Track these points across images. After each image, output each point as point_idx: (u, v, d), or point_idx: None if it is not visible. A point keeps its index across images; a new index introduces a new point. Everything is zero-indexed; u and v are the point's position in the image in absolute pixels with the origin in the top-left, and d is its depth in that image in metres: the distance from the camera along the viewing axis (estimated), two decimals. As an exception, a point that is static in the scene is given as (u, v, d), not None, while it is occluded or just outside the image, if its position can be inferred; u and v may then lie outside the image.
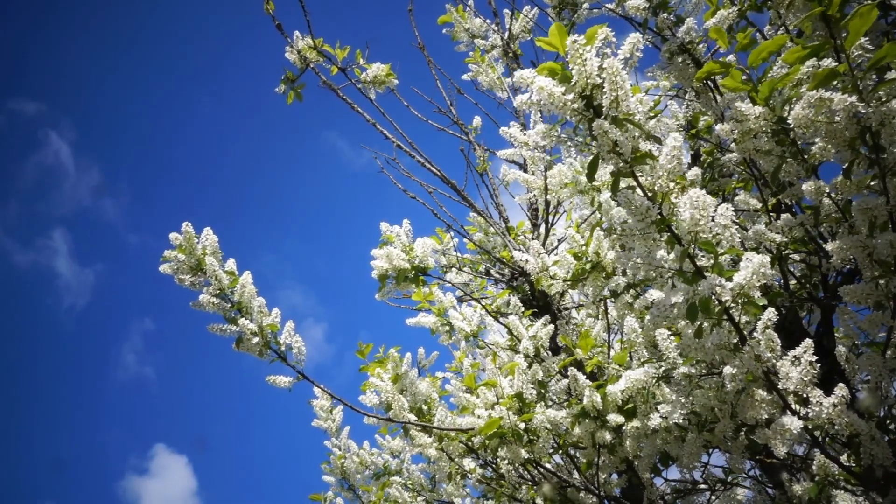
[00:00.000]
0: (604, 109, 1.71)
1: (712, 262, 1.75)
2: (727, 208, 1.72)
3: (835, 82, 1.80)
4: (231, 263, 2.58)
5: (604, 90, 1.69)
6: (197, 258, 2.53)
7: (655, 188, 1.75)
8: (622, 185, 1.78)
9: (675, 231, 1.74)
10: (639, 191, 1.75)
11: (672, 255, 1.79)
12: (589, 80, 1.69)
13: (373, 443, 4.10)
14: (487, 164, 3.91)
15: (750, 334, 1.81)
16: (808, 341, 1.76)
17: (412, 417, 2.78)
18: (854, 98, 1.73)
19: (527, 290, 3.49)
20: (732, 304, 1.73)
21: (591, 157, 1.81)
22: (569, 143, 1.83)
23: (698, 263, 1.75)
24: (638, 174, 1.75)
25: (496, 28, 4.27)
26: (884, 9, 2.18)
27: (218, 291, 2.53)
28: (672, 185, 1.73)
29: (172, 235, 2.53)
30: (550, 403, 2.65)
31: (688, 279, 1.75)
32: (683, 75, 2.63)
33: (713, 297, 1.71)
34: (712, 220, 1.70)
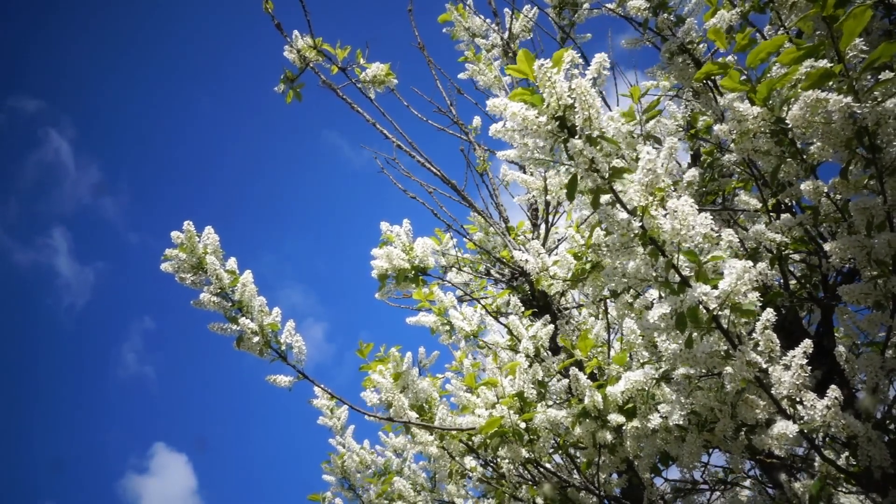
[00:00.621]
0: (577, 129, 1.73)
1: (697, 271, 1.76)
2: (706, 217, 1.73)
3: (831, 83, 1.80)
4: (232, 262, 2.59)
5: (576, 110, 1.71)
6: (198, 257, 2.54)
7: (635, 202, 1.76)
8: (602, 200, 1.79)
9: (658, 243, 1.75)
10: (619, 205, 1.77)
11: (657, 267, 1.80)
12: (560, 102, 1.71)
13: (375, 441, 4.12)
14: (487, 164, 3.92)
15: (749, 335, 1.81)
16: (806, 342, 1.76)
17: (413, 415, 2.78)
18: (850, 98, 1.73)
19: (527, 290, 3.50)
20: (720, 312, 1.74)
21: (569, 176, 1.83)
22: (546, 165, 1.85)
23: (683, 273, 1.76)
24: (617, 189, 1.77)
25: (496, 27, 4.27)
26: (886, 8, 2.18)
27: (219, 290, 2.54)
28: (651, 197, 1.74)
29: (174, 234, 2.54)
30: (550, 403, 2.65)
31: (674, 289, 1.76)
32: (683, 75, 2.63)
33: (700, 306, 1.72)
34: (693, 230, 1.71)
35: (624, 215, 1.76)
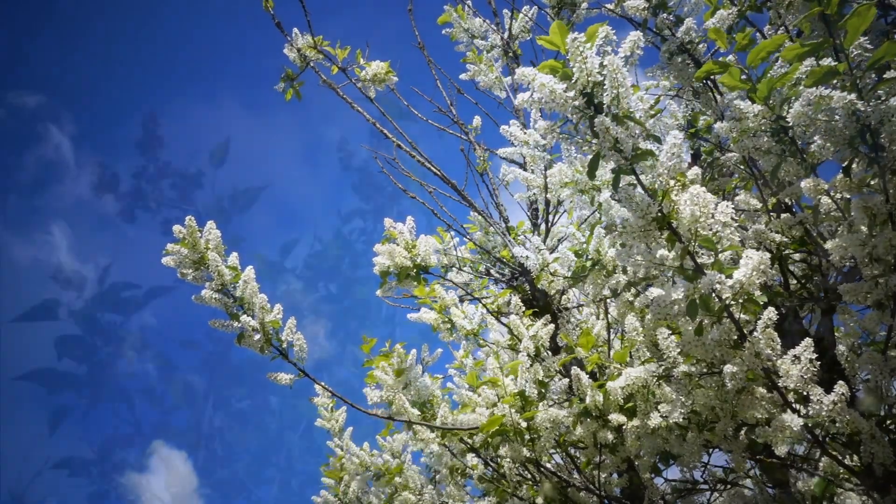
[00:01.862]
0: (604, 107, 1.72)
1: (712, 259, 1.76)
2: (727, 205, 1.72)
3: (834, 81, 1.81)
4: (234, 258, 2.58)
5: (604, 88, 1.69)
6: (200, 252, 2.53)
7: (656, 185, 1.76)
8: (623, 182, 1.78)
9: (676, 228, 1.75)
10: (640, 188, 1.76)
11: (672, 253, 1.80)
12: (590, 78, 1.70)
13: (374, 444, 4.09)
14: (487, 164, 3.91)
15: (750, 333, 1.81)
16: (808, 340, 1.76)
17: (415, 413, 2.77)
18: (853, 96, 1.74)
19: (527, 289, 3.49)
20: (732, 302, 1.74)
21: (591, 155, 1.82)
22: (570, 141, 1.84)
23: (698, 260, 1.76)
24: (638, 171, 1.76)
25: (496, 28, 4.28)
26: (884, 8, 2.18)
27: (220, 286, 2.53)
28: (672, 182, 1.74)
29: (176, 228, 2.53)
30: (551, 402, 2.65)
31: (688, 276, 1.76)
32: (683, 75, 2.64)
33: (713, 294, 1.72)
34: (712, 218, 1.71)
35: (645, 198, 1.75)
